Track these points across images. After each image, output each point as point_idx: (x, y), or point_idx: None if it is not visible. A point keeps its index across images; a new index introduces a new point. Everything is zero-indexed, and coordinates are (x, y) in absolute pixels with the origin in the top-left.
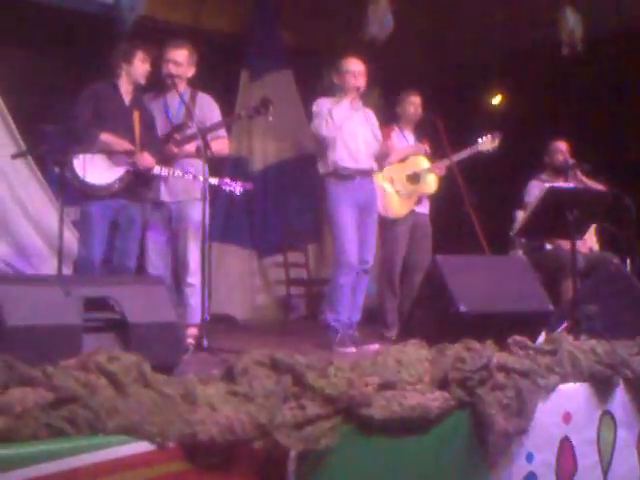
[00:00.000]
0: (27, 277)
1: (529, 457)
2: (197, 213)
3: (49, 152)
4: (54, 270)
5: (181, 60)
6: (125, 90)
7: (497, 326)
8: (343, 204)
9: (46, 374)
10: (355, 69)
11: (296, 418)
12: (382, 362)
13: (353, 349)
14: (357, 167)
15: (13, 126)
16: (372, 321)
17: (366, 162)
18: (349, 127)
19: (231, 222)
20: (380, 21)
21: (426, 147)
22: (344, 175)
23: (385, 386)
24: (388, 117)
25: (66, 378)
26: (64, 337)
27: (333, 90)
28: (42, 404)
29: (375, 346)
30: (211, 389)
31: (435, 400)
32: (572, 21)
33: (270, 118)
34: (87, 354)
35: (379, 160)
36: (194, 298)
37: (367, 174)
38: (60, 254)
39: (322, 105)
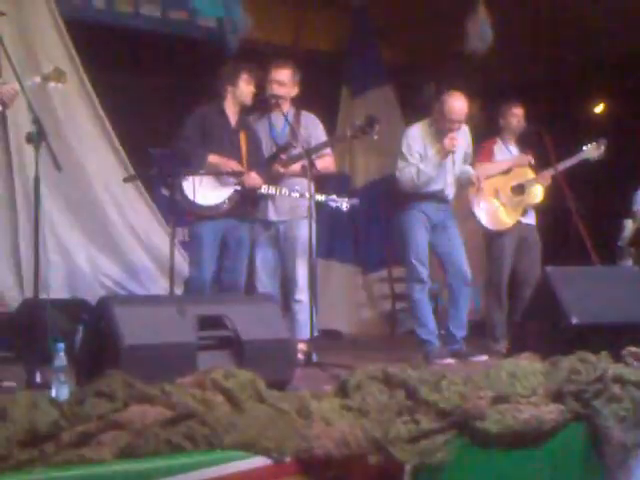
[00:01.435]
0: (142, 297)
1: None
2: (304, 231)
3: (159, 175)
4: (165, 290)
5: (285, 80)
6: (231, 112)
7: (610, 337)
8: (415, 221)
9: (164, 392)
10: (456, 117)
11: (410, 432)
12: (495, 375)
13: (451, 361)
14: (440, 192)
15: (122, 151)
16: (480, 334)
17: (449, 189)
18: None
19: (335, 239)
20: (479, 34)
21: (530, 158)
22: (423, 196)
23: (499, 399)
24: (491, 129)
25: (183, 395)
26: (180, 355)
27: (432, 106)
28: (161, 421)
29: (483, 357)
30: (325, 404)
31: (550, 413)
32: None
33: (375, 137)
34: (203, 371)
35: (464, 185)
36: (302, 314)
37: (446, 201)
38: (172, 274)
39: (413, 146)
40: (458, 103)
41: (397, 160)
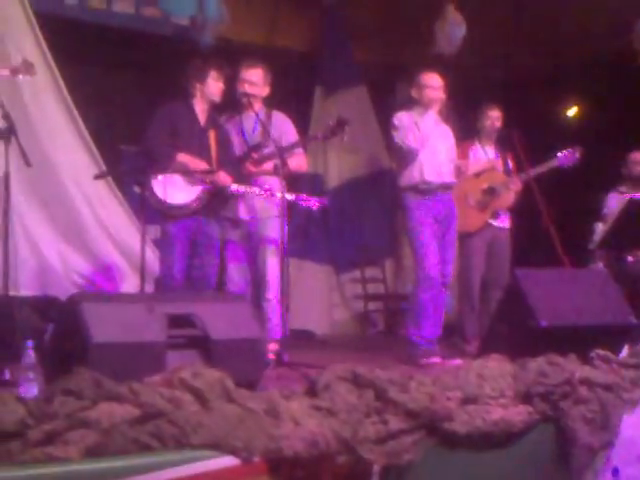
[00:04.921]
0: (112, 295)
1: (615, 471)
2: (275, 230)
3: (129, 173)
4: (135, 288)
5: (256, 80)
6: (200, 109)
7: (579, 340)
8: (424, 220)
9: (132, 390)
10: (435, 84)
11: (379, 433)
12: (464, 377)
13: (438, 360)
14: (440, 181)
15: (94, 147)
16: (452, 336)
17: (448, 176)
18: (432, 140)
19: (308, 239)
20: (449, 35)
21: (509, 161)
22: (426, 189)
23: (467, 400)
24: (466, 131)
25: (152, 394)
26: (148, 354)
27: (409, 104)
28: (129, 420)
29: (457, 361)
30: (294, 404)
31: (518, 414)
32: None
33: (345, 138)
34: (172, 370)
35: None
36: (273, 314)
37: (448, 188)
38: (142, 272)
39: (404, 118)
40: (433, 76)
41: (391, 135)
